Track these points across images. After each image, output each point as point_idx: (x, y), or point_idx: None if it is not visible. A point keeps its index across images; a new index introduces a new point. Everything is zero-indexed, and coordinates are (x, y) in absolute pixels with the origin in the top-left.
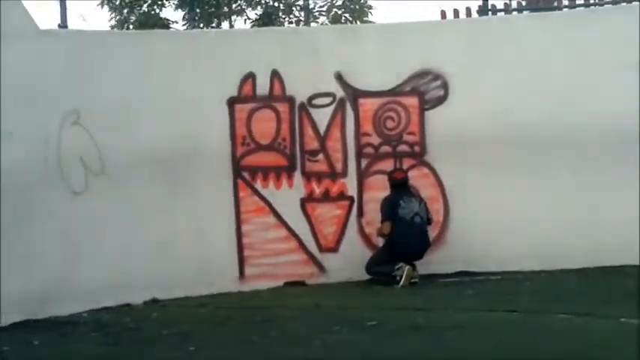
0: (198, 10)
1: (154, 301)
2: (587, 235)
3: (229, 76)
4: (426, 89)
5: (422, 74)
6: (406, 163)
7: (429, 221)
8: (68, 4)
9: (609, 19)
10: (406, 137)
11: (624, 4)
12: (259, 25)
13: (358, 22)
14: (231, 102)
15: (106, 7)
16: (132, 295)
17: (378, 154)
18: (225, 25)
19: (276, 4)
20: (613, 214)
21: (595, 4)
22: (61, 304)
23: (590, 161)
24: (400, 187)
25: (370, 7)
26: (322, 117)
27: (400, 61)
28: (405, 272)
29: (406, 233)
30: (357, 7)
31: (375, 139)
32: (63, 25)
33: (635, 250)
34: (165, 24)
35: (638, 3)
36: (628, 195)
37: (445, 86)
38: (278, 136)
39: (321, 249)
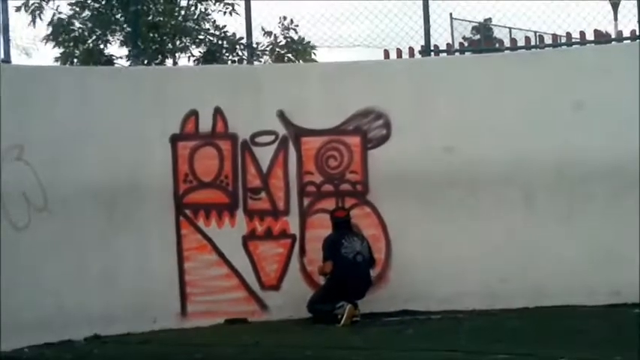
0: (142, 47)
1: (96, 337)
2: (528, 275)
3: (172, 113)
4: (368, 128)
5: (365, 113)
6: (348, 201)
7: (372, 261)
8: (12, 38)
9: (549, 61)
10: (349, 176)
11: (564, 47)
12: (203, 63)
13: (301, 62)
14: (174, 139)
15: (50, 43)
16: (73, 331)
17: (320, 193)
18: (169, 62)
19: (220, 42)
20: (553, 254)
21: (536, 47)
22: (3, 339)
23: (530, 200)
24: (342, 225)
25: (313, 47)
26: (265, 155)
27: (343, 100)
28: (347, 311)
29: (348, 272)
30: (300, 47)
31: (317, 178)
32: (6, 59)
33: (575, 290)
34: (109, 60)
35: (576, 47)
36: (568, 234)
37: (388, 125)
38: (220, 173)
39: (263, 287)
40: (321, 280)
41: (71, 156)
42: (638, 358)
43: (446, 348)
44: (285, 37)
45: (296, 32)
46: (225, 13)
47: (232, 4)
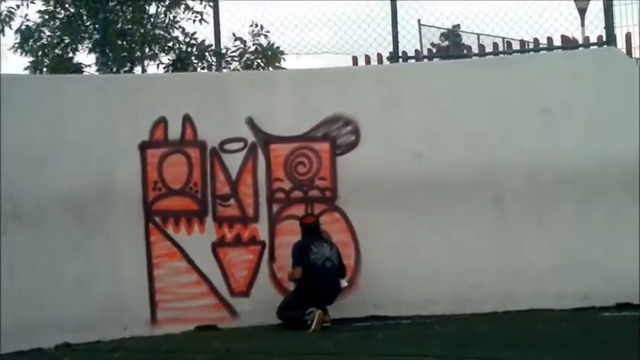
0: (110, 55)
1: (66, 345)
2: (497, 280)
3: (141, 120)
4: (337, 135)
5: (333, 120)
6: (318, 208)
7: (342, 269)
8: None
9: (517, 67)
10: (318, 182)
11: (532, 52)
12: (172, 71)
13: (270, 69)
14: (143, 146)
15: (19, 51)
16: (44, 339)
17: (289, 199)
18: (138, 70)
19: (189, 50)
20: (523, 258)
21: (503, 53)
22: None
23: (500, 205)
24: (311, 232)
25: (283, 53)
26: (234, 162)
27: (312, 106)
28: (317, 316)
29: (317, 278)
30: (270, 53)
31: (286, 184)
32: None
33: (544, 294)
34: (78, 68)
35: (544, 52)
36: (537, 238)
37: (356, 132)
38: (190, 180)
39: (233, 293)
40: (291, 286)
41: (43, 164)
42: None
43: (416, 353)
44: (254, 44)
45: (266, 38)
46: (194, 21)
47: (201, 13)
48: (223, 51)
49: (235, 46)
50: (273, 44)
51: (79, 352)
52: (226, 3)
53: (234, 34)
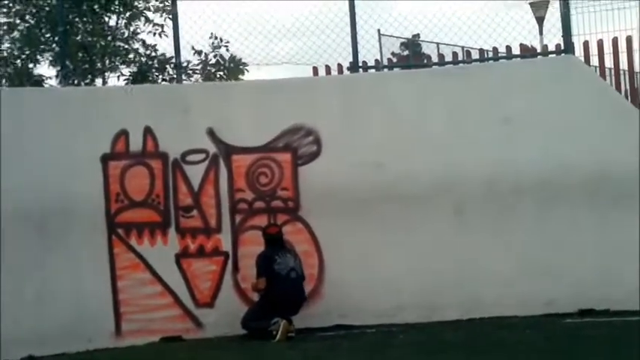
0: (71, 67)
1: (30, 357)
2: (462, 288)
3: (102, 132)
4: (299, 145)
5: (295, 130)
6: (280, 218)
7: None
8: None
9: (477, 76)
10: (280, 193)
11: (491, 61)
12: (133, 83)
13: (232, 80)
14: (105, 159)
15: None
16: (8, 352)
17: (252, 210)
18: (98, 82)
19: (149, 62)
20: (485, 266)
21: (463, 62)
22: None
23: (461, 213)
24: (274, 242)
25: (245, 65)
26: (196, 173)
27: (273, 117)
28: (282, 327)
29: (282, 288)
30: (232, 65)
31: (248, 195)
32: None
33: (508, 301)
34: (39, 80)
35: (503, 61)
36: (499, 246)
37: (318, 141)
38: (152, 192)
39: (197, 304)
40: (256, 297)
41: (2, 176)
42: None
43: None
44: (215, 56)
45: (227, 50)
46: (154, 34)
47: (162, 25)
48: (184, 64)
49: (197, 60)
50: (235, 57)
51: None
52: (186, 15)
53: (193, 47)
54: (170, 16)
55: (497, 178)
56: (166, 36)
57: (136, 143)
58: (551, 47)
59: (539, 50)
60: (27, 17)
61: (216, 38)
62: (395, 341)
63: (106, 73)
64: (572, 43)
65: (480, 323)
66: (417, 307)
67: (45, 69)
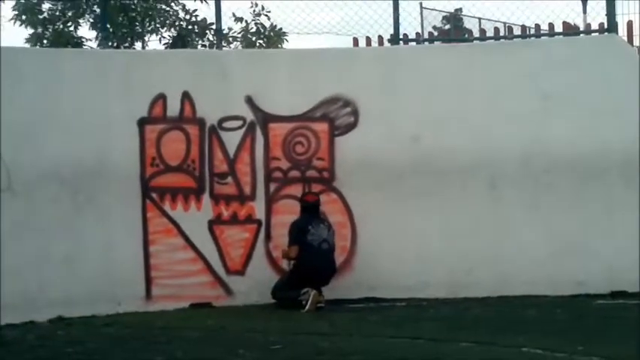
0: (111, 30)
1: (60, 318)
2: (492, 265)
3: (140, 96)
4: (336, 115)
5: (332, 100)
6: (315, 188)
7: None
8: None
9: (517, 52)
10: (315, 163)
11: (533, 38)
12: (172, 47)
13: (271, 48)
14: (142, 122)
15: (18, 23)
16: (37, 313)
17: (286, 179)
18: (138, 45)
19: (189, 27)
20: (518, 244)
21: (504, 38)
22: None
23: (496, 190)
24: (311, 210)
25: (285, 34)
26: (232, 140)
27: (311, 86)
28: (311, 297)
29: (313, 259)
30: (272, 34)
31: (284, 164)
32: None
33: (539, 280)
34: (78, 42)
35: (545, 38)
36: (532, 224)
37: (355, 113)
38: (187, 157)
39: (228, 271)
40: (285, 265)
41: (37, 138)
42: (600, 348)
43: (410, 335)
44: (256, 24)
45: (268, 18)
46: None
47: None
48: (225, 30)
49: (238, 27)
50: (275, 26)
51: (72, 325)
52: None
53: (234, 14)
54: None
55: (533, 155)
56: (207, 3)
57: (173, 108)
58: (594, 26)
59: (582, 29)
60: None
61: (257, 6)
62: (424, 316)
63: (146, 37)
64: (616, 23)
65: (509, 301)
66: (448, 282)
67: (86, 31)
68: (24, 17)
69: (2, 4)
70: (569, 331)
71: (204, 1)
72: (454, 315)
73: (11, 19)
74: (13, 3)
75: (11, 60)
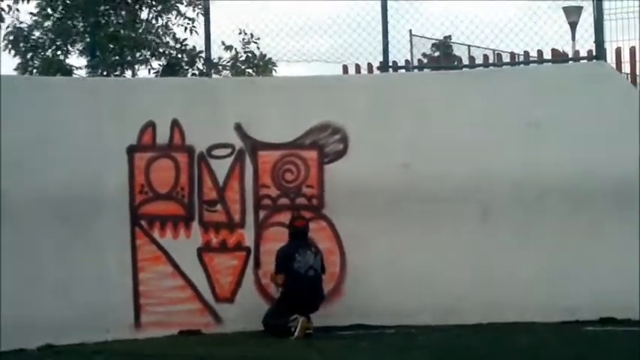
0: (101, 58)
1: (49, 346)
2: (483, 291)
3: (130, 124)
4: (325, 143)
5: (322, 128)
6: (304, 215)
7: (323, 271)
8: None
9: (507, 79)
10: (305, 190)
11: (522, 65)
12: (162, 76)
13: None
14: (131, 150)
15: (9, 51)
16: (26, 340)
17: (276, 206)
18: (128, 74)
19: (179, 56)
20: (508, 270)
21: (494, 65)
22: None
23: (487, 216)
24: (299, 236)
25: (274, 64)
26: (221, 168)
27: (300, 114)
28: (300, 323)
29: (300, 287)
30: (261, 62)
31: (273, 191)
32: None
33: (529, 307)
34: (68, 70)
35: (534, 65)
36: (523, 250)
37: (344, 140)
38: (177, 185)
39: (217, 299)
40: (276, 294)
41: (29, 165)
42: None
43: None
44: (245, 52)
45: (257, 46)
46: (185, 28)
47: (193, 19)
48: (215, 59)
49: (228, 55)
50: (265, 55)
51: (61, 353)
52: (216, 9)
53: (223, 43)
54: (202, 11)
55: (523, 182)
56: (197, 33)
57: (162, 135)
58: (583, 53)
59: (571, 56)
60: (59, 7)
61: (246, 34)
62: (414, 343)
63: (136, 66)
64: (605, 50)
65: (500, 328)
66: (438, 309)
67: (75, 59)
68: (17, 48)
69: None
70: (559, 359)
71: (193, 32)
72: (444, 342)
73: (4, 47)
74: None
75: (2, 88)
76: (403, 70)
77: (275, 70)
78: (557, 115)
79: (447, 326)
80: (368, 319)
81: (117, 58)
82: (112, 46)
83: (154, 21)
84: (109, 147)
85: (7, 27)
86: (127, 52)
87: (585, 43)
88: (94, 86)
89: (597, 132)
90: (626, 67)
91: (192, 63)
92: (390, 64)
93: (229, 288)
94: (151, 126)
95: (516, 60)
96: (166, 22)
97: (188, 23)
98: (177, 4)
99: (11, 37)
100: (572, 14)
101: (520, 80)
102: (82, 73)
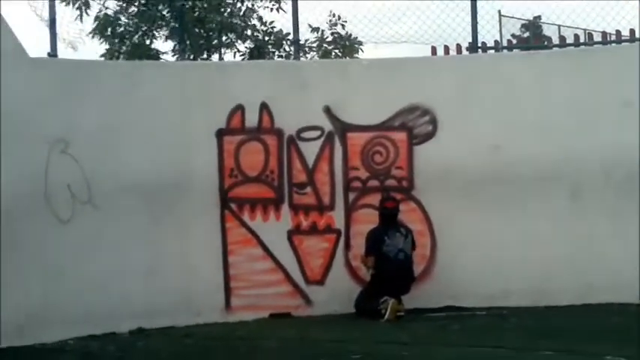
0: (188, 42)
1: (140, 330)
2: (574, 273)
3: (218, 107)
4: (414, 124)
5: (411, 109)
6: (394, 196)
7: (413, 247)
8: (58, 32)
9: (598, 59)
10: (394, 172)
11: (613, 44)
12: (249, 59)
13: (348, 58)
14: (220, 133)
15: (96, 37)
16: (118, 324)
17: (365, 188)
18: (214, 57)
19: (266, 39)
20: (600, 251)
21: (584, 44)
22: (48, 331)
23: (577, 198)
24: (389, 217)
25: (360, 44)
26: (311, 150)
27: (389, 95)
28: (390, 306)
29: (390, 270)
30: (348, 43)
31: (362, 173)
32: (52, 53)
33: (622, 288)
34: (155, 55)
35: (625, 44)
36: (614, 232)
37: (434, 122)
38: (266, 168)
39: (308, 281)
40: (366, 276)
41: (116, 150)
42: None
43: (491, 344)
44: (332, 34)
45: (343, 28)
46: (272, 9)
47: (279, 1)
48: (301, 41)
49: (314, 37)
50: (350, 35)
51: (152, 336)
52: None
53: (310, 25)
54: None
55: (614, 162)
56: (284, 11)
57: (251, 119)
58: None
59: None
60: None
61: (333, 16)
62: (506, 325)
63: (223, 49)
64: None
65: (593, 309)
66: (530, 291)
67: (161, 44)
68: (105, 33)
69: (80, 21)
70: None
71: (280, 11)
72: (536, 324)
73: (90, 33)
74: (93, 18)
75: (91, 73)
76: (492, 51)
77: (362, 50)
78: None
79: (540, 308)
80: (459, 300)
81: (203, 42)
82: (197, 30)
83: (239, 4)
84: (197, 131)
85: (95, 14)
86: (214, 35)
87: None
88: (182, 70)
89: None
90: None
91: (279, 45)
92: (479, 44)
93: (320, 270)
94: (239, 109)
95: (608, 39)
96: (252, 5)
97: (274, 4)
98: None
99: (101, 23)
100: None
101: (612, 60)
102: (169, 57)
